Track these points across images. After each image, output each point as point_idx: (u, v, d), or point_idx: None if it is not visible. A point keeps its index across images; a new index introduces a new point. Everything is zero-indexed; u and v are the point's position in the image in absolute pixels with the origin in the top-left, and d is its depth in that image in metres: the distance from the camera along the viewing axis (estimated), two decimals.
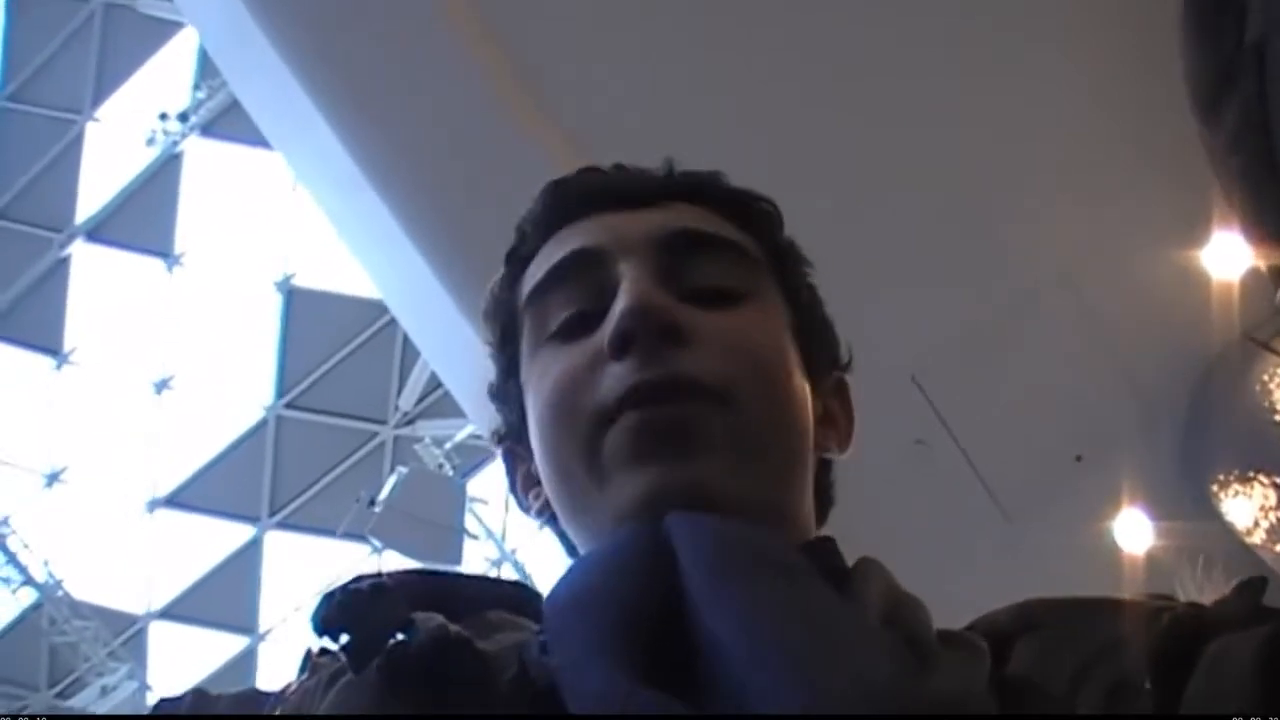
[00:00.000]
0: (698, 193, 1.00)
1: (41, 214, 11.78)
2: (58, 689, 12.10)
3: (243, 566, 11.80)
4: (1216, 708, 0.64)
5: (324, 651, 0.83)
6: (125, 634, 12.05)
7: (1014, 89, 3.61)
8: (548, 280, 0.95)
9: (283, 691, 0.83)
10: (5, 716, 9.61)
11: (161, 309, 11.89)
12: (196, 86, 11.12)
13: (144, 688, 11.74)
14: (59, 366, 12.22)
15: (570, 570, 0.81)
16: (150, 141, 11.26)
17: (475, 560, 9.86)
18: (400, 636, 0.74)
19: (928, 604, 0.79)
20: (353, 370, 11.07)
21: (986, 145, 3.65)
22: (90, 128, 11.65)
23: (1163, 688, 0.67)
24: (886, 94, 3.57)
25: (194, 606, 11.98)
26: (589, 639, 0.70)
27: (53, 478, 12.34)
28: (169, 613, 12.15)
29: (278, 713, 0.81)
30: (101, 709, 11.18)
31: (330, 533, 9.92)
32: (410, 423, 10.69)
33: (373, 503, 8.02)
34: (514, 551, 10.28)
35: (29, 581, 11.85)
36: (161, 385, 11.99)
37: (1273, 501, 3.84)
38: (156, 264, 11.82)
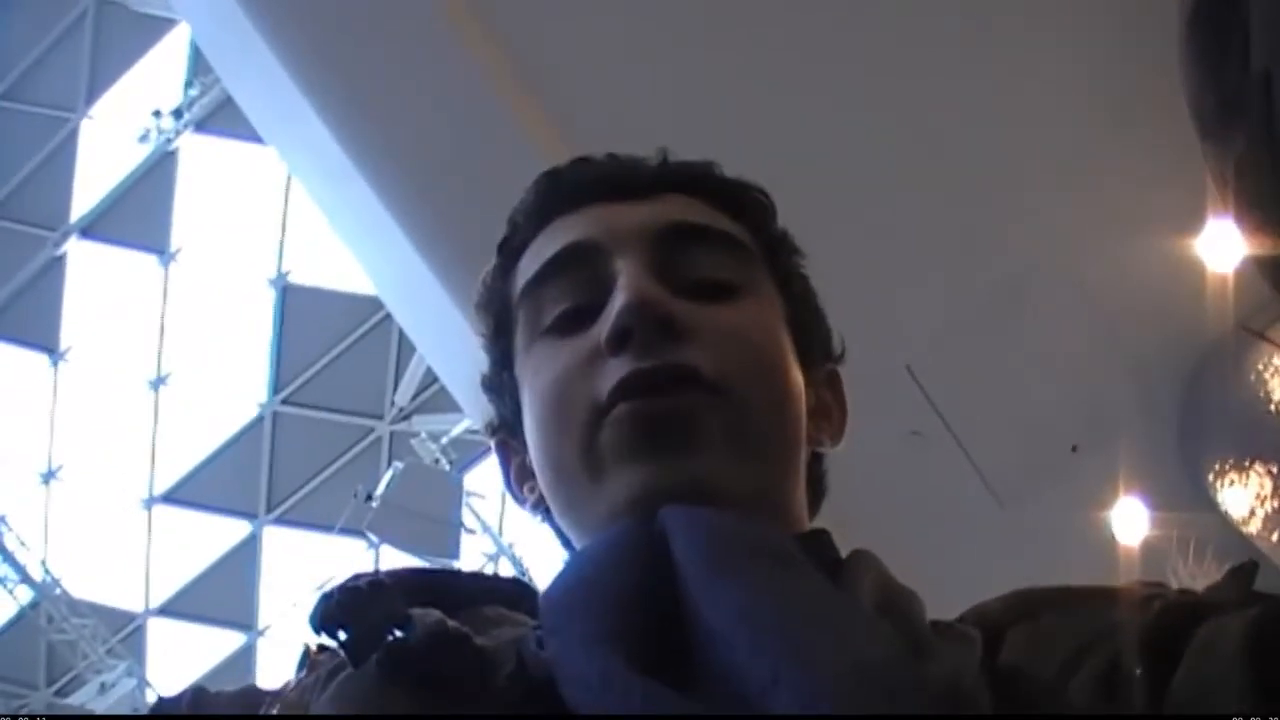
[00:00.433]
0: (691, 183, 1.00)
1: (36, 212, 11.77)
2: (56, 687, 12.11)
3: (240, 563, 11.81)
4: (1205, 690, 0.64)
5: (322, 649, 0.83)
6: (124, 631, 12.06)
7: (1009, 78, 3.61)
8: (542, 274, 0.95)
9: (281, 689, 0.83)
10: (6, 716, 9.61)
11: (157, 306, 11.88)
12: (189, 83, 11.09)
13: (143, 685, 11.74)
14: (55, 364, 12.21)
15: (566, 566, 0.81)
16: (144, 138, 11.24)
17: (472, 554, 9.87)
18: (399, 633, 0.74)
19: (924, 593, 0.79)
20: (348, 366, 11.07)
21: (981, 135, 3.65)
22: (84, 125, 11.63)
23: (1154, 673, 0.67)
24: (882, 84, 3.57)
25: (192, 603, 11.98)
26: (585, 629, 0.70)
27: (49, 475, 12.33)
28: (167, 609, 12.16)
29: (276, 710, 0.81)
30: (100, 706, 11.18)
31: (328, 528, 9.93)
32: (406, 418, 10.69)
33: (369, 498, 8.04)
34: (511, 545, 10.28)
35: (26, 580, 11.84)
36: (158, 382, 11.98)
37: (1268, 490, 3.85)
38: (151, 261, 11.80)
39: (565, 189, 1.00)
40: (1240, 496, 3.93)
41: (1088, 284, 3.83)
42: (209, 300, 11.82)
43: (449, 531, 8.32)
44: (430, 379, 9.63)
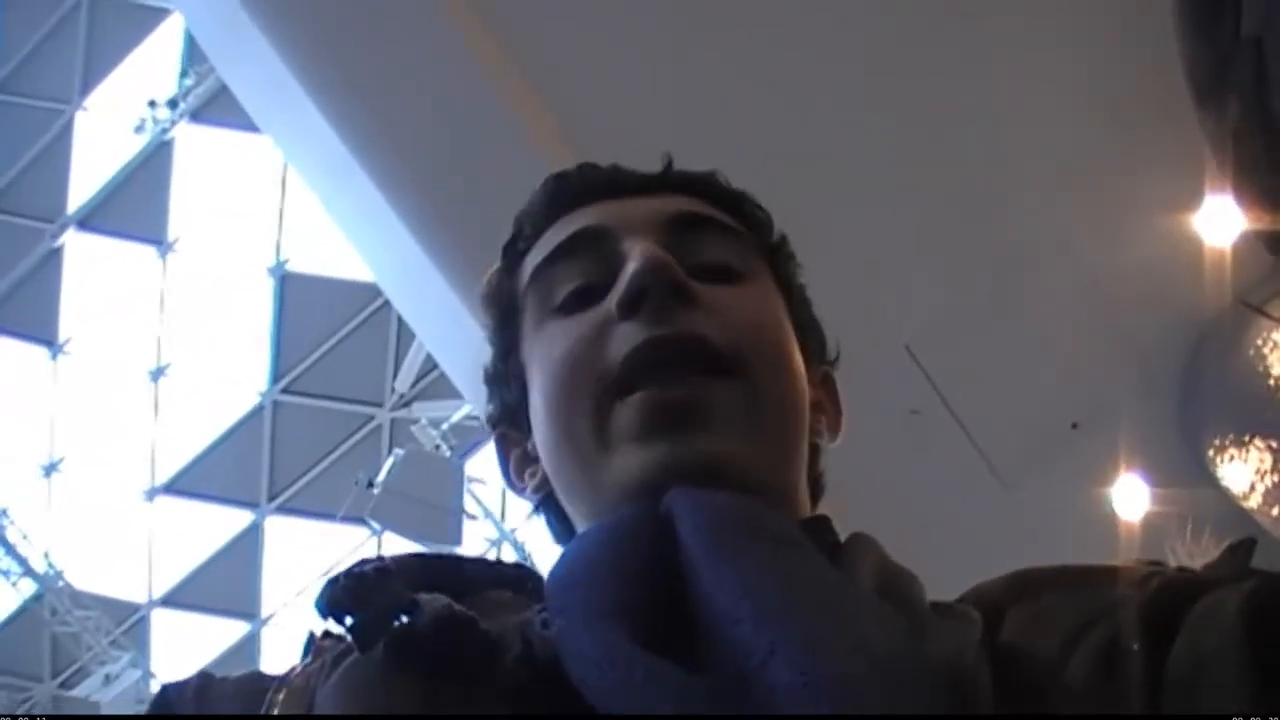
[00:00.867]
0: (694, 186, 1.02)
1: (33, 204, 11.76)
2: (61, 679, 12.14)
3: (243, 552, 11.82)
4: (1202, 663, 0.65)
5: (327, 635, 0.83)
6: (127, 622, 12.08)
7: (1006, 58, 3.60)
8: (553, 256, 0.97)
9: (287, 674, 0.83)
10: (8, 717, 9.63)
11: (155, 297, 11.88)
12: (184, 73, 11.08)
13: (147, 675, 11.77)
14: (54, 357, 12.21)
15: (570, 547, 0.82)
16: (139, 129, 11.23)
17: (474, 540, 9.89)
18: (406, 618, 0.74)
19: (925, 573, 0.80)
20: (348, 354, 11.07)
21: (979, 114, 3.65)
22: (79, 117, 11.62)
23: (1151, 648, 0.67)
24: (881, 66, 3.57)
25: (195, 593, 12.00)
26: (589, 605, 0.71)
27: (50, 468, 12.34)
28: (170, 600, 12.18)
29: (282, 695, 0.81)
30: (105, 698, 11.20)
31: (330, 516, 9.93)
32: (406, 405, 10.69)
33: (371, 485, 8.04)
34: (513, 531, 10.30)
35: (29, 573, 11.86)
36: (157, 373, 11.98)
37: (1268, 465, 3.85)
38: (149, 252, 11.79)
39: (572, 189, 1.02)
40: (1240, 472, 3.93)
41: (1086, 261, 3.83)
42: (207, 290, 11.82)
43: (451, 517, 8.33)
44: (430, 365, 9.62)
